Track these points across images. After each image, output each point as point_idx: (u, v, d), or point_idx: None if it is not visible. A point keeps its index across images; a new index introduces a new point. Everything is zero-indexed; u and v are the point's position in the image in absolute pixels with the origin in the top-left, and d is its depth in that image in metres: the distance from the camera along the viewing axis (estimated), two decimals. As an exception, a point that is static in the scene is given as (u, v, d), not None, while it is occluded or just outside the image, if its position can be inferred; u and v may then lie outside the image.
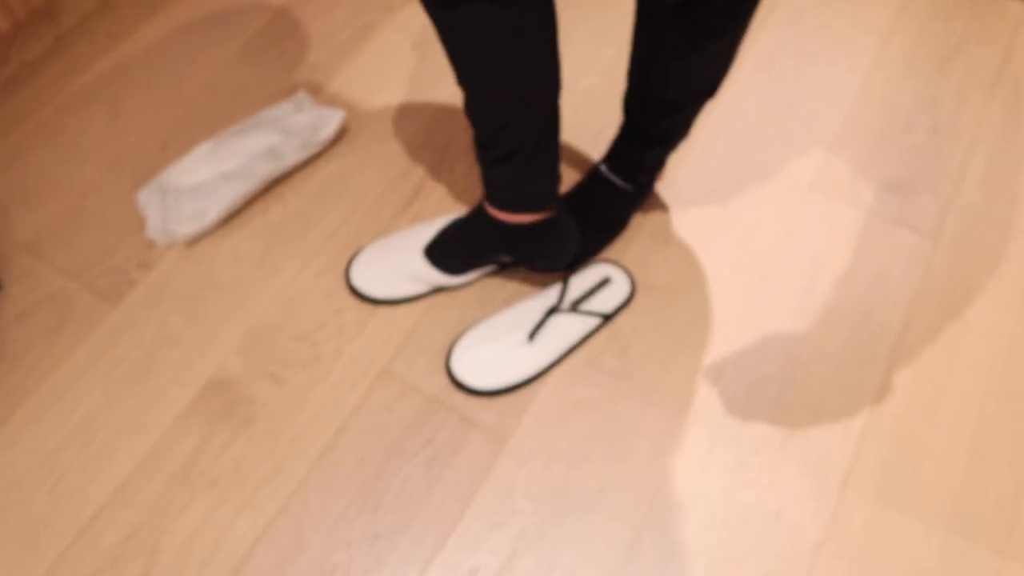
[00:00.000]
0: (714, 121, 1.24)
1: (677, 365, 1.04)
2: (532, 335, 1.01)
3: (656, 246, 1.12)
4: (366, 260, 1.07)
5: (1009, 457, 0.98)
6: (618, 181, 1.08)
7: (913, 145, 1.22)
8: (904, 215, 1.16)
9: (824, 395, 1.02)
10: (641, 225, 1.14)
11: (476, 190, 1.17)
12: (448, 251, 1.02)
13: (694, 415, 1.00)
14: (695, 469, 0.97)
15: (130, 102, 1.27)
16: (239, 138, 1.15)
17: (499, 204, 0.94)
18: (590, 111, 1.25)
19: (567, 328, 1.03)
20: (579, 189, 1.11)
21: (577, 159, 1.20)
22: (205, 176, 1.12)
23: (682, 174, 1.19)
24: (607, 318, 1.05)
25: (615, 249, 1.12)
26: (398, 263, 1.05)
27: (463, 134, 1.23)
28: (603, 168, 1.09)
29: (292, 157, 1.15)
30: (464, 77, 0.79)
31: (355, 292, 1.07)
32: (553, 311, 1.02)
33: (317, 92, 1.27)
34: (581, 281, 1.06)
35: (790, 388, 1.02)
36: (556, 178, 0.92)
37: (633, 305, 1.07)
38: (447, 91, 1.28)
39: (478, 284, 1.09)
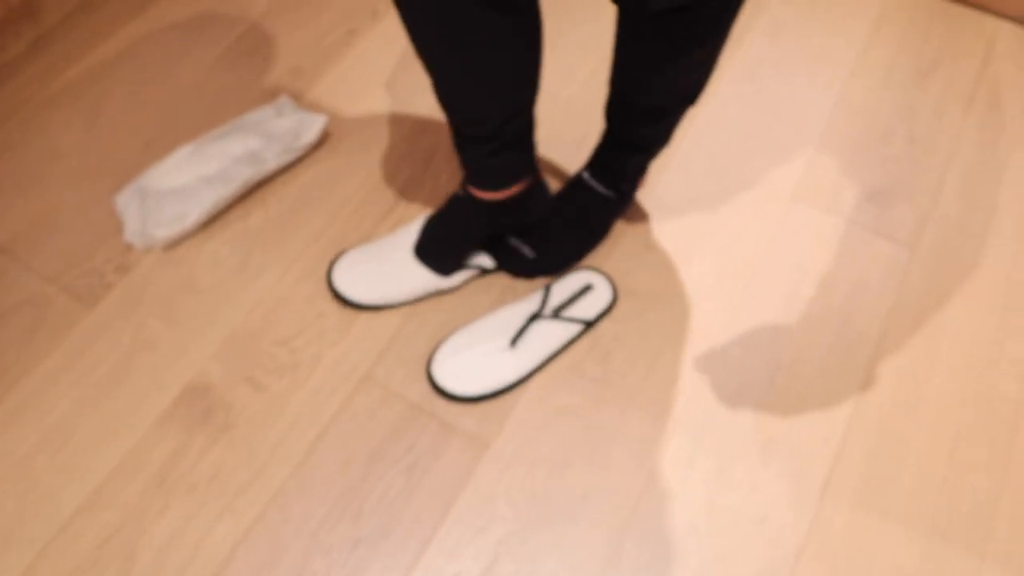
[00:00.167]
0: (696, 130, 1.25)
1: (659, 372, 1.04)
2: (514, 341, 1.01)
3: (638, 253, 1.13)
4: (350, 265, 1.07)
5: (987, 461, 0.99)
6: (600, 188, 1.09)
7: (891, 156, 1.24)
8: (882, 225, 1.17)
9: (805, 401, 1.02)
10: (623, 232, 1.14)
11: (459, 196, 1.17)
12: (439, 249, 1.02)
13: (676, 421, 1.01)
14: (677, 475, 0.97)
15: (110, 104, 1.25)
16: (220, 142, 1.14)
17: (491, 186, 0.96)
18: (572, 119, 1.25)
19: (549, 335, 1.03)
20: (562, 196, 1.11)
21: (560, 167, 1.20)
22: (185, 179, 1.11)
23: (664, 182, 1.19)
24: (589, 325, 1.05)
25: (597, 256, 1.12)
26: (388, 271, 1.04)
27: (447, 141, 1.23)
28: (585, 175, 1.10)
29: (273, 161, 1.15)
30: (453, 84, 0.80)
31: (338, 297, 1.06)
32: (535, 317, 1.02)
33: (300, 97, 1.27)
34: (563, 288, 1.07)
35: (771, 394, 1.03)
36: (534, 147, 0.96)
37: (615, 312, 1.08)
38: (431, 98, 1.28)
39: (460, 291, 1.09)
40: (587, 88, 1.29)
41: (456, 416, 1.00)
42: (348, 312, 1.07)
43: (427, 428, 0.99)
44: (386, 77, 1.30)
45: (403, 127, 1.24)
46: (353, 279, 1.05)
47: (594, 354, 1.05)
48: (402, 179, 1.19)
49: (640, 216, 1.16)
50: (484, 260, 1.08)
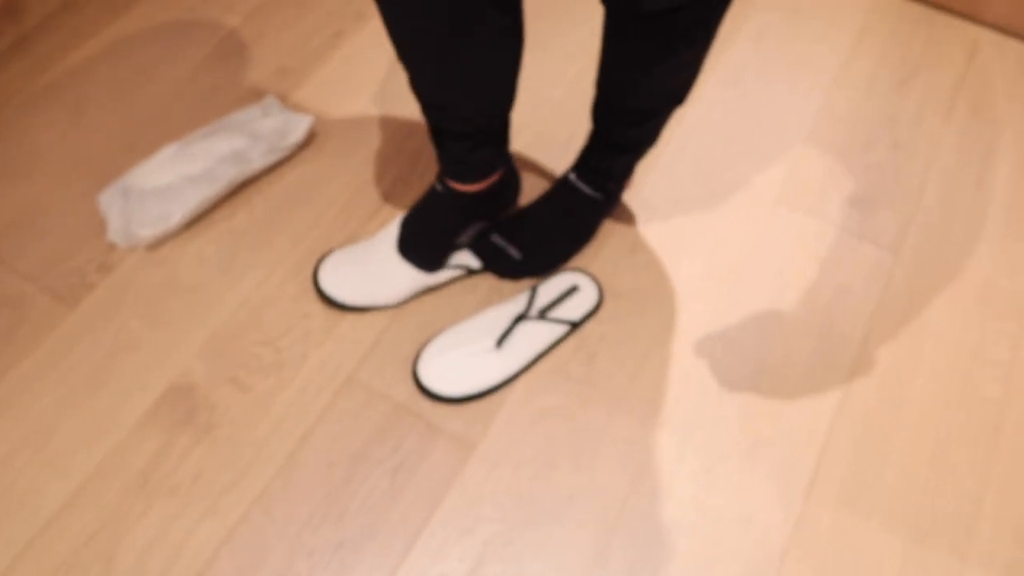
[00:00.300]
0: (682, 133, 1.26)
1: (644, 373, 1.04)
2: (500, 342, 1.01)
3: (624, 255, 1.13)
4: (336, 265, 1.06)
5: (969, 463, 1.00)
6: (587, 190, 1.09)
7: (874, 162, 1.25)
8: (865, 229, 1.18)
9: (790, 402, 1.03)
10: (609, 234, 1.15)
11: (446, 197, 1.17)
12: (422, 244, 1.02)
13: (662, 422, 1.01)
14: (663, 476, 0.97)
15: (94, 103, 1.24)
16: (205, 141, 1.14)
17: (471, 179, 0.98)
18: (559, 121, 1.26)
19: (535, 335, 1.03)
20: (548, 197, 1.11)
21: (546, 168, 1.20)
22: (170, 179, 1.10)
23: (650, 184, 1.20)
24: (575, 326, 1.05)
25: (583, 257, 1.12)
26: (374, 270, 1.04)
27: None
28: (572, 177, 1.10)
29: (259, 161, 1.14)
30: (419, 77, 0.81)
31: (325, 298, 1.05)
32: (521, 318, 1.02)
33: (286, 97, 1.26)
34: (549, 289, 1.07)
35: (757, 395, 1.03)
36: (508, 139, 0.98)
37: (601, 313, 1.08)
38: (417, 99, 1.28)
39: (445, 292, 1.09)
40: (573, 89, 1.30)
41: (442, 417, 1.00)
42: (334, 312, 1.06)
43: (412, 429, 0.99)
44: (372, 78, 1.30)
45: (389, 128, 1.24)
46: (339, 280, 1.05)
47: (580, 355, 1.05)
48: (389, 179, 1.18)
49: (626, 218, 1.16)
50: (470, 260, 1.07)
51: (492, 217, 1.08)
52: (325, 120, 1.24)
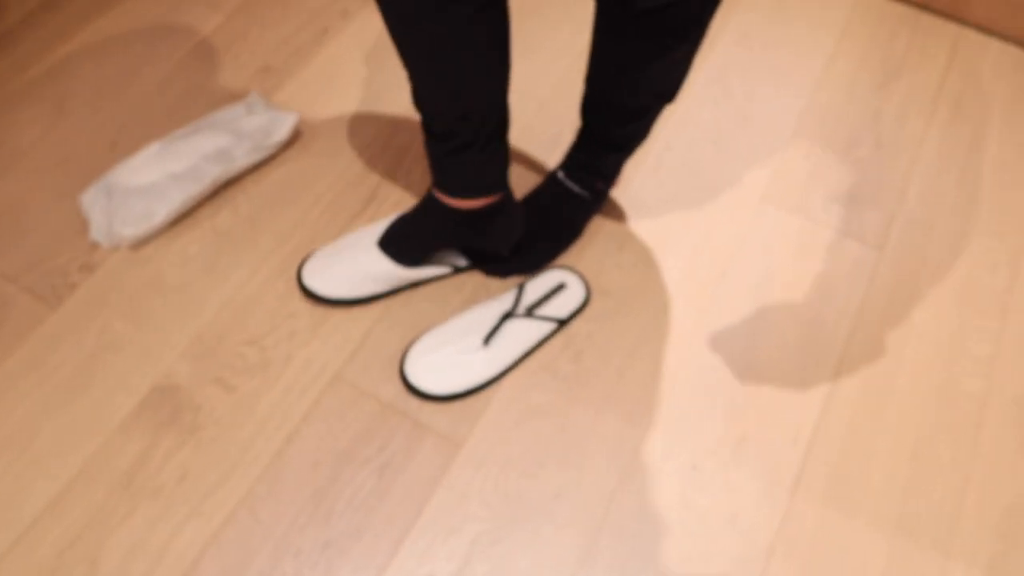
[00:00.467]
0: (669, 132, 1.26)
1: (631, 370, 1.04)
2: (487, 340, 1.00)
3: (611, 252, 1.13)
4: (318, 262, 1.06)
5: (951, 459, 1.01)
6: (576, 188, 1.09)
7: (858, 159, 1.26)
8: (850, 226, 1.19)
9: (775, 399, 1.03)
10: (596, 232, 1.15)
11: (432, 196, 1.17)
12: (401, 242, 1.01)
13: (648, 420, 1.01)
14: (650, 474, 0.97)
15: (76, 101, 1.23)
16: (189, 139, 1.13)
17: (452, 191, 0.94)
18: (546, 118, 1.26)
19: (522, 333, 1.02)
20: (536, 195, 1.11)
21: (533, 165, 1.20)
22: (153, 177, 1.09)
23: (637, 182, 1.20)
24: (562, 323, 1.05)
25: (570, 255, 1.12)
26: (352, 262, 1.03)
27: (420, 140, 1.22)
28: (560, 175, 1.10)
29: (243, 160, 1.13)
30: (416, 73, 0.79)
31: (308, 293, 1.05)
32: (508, 316, 1.02)
33: (271, 95, 1.26)
34: (536, 286, 1.06)
35: (743, 393, 1.03)
36: (507, 161, 0.93)
37: (588, 311, 1.08)
38: (404, 97, 1.27)
39: (433, 289, 1.08)
40: (560, 87, 1.30)
41: (429, 416, 0.99)
42: (319, 311, 1.06)
43: (399, 428, 0.98)
44: (357, 76, 1.29)
45: (375, 126, 1.23)
46: (322, 276, 1.04)
47: (567, 353, 1.05)
48: (374, 178, 1.18)
49: (613, 216, 1.17)
50: (457, 258, 1.07)
51: (473, 247, 1.03)
52: (310, 118, 1.23)
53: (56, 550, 0.89)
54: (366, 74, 1.29)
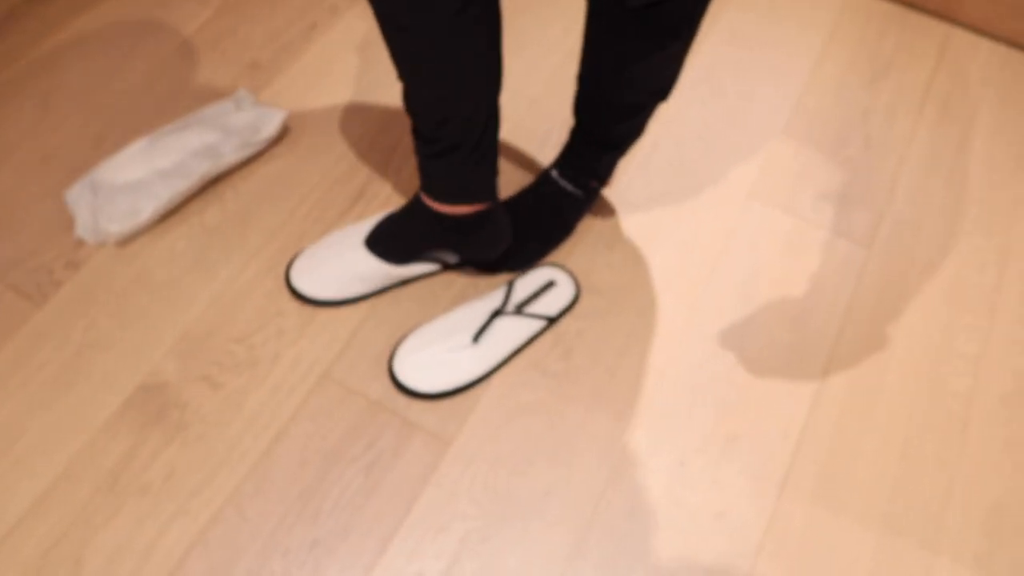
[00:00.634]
0: (658, 130, 1.26)
1: (621, 368, 1.04)
2: (476, 338, 1.00)
3: (601, 250, 1.13)
4: (306, 261, 1.05)
5: (938, 457, 1.01)
6: (569, 187, 1.09)
7: (847, 158, 1.26)
8: (838, 224, 1.19)
9: (764, 397, 1.03)
10: (586, 229, 1.15)
11: (421, 193, 1.16)
12: (388, 242, 1.01)
13: (638, 418, 1.01)
14: (639, 471, 0.97)
15: (61, 96, 1.22)
16: (176, 135, 1.12)
17: (437, 196, 0.93)
18: (537, 116, 1.25)
19: (512, 331, 1.02)
20: (529, 193, 1.11)
21: (524, 163, 1.20)
22: (140, 173, 1.08)
23: (626, 180, 1.20)
24: (552, 321, 1.05)
25: (560, 252, 1.12)
26: (340, 262, 1.03)
27: (409, 137, 1.22)
28: (554, 173, 1.10)
29: (231, 156, 1.12)
30: (405, 73, 0.78)
31: (296, 295, 1.04)
32: (498, 313, 1.02)
33: (259, 91, 1.25)
34: (526, 284, 1.06)
35: (732, 391, 1.04)
36: (494, 171, 0.92)
37: (577, 308, 1.08)
38: (393, 93, 1.27)
39: (421, 287, 1.08)
40: (552, 85, 1.29)
41: (418, 414, 0.99)
42: (307, 309, 1.05)
43: (388, 426, 0.98)
44: (346, 72, 1.28)
45: (364, 123, 1.23)
46: (310, 277, 1.04)
47: (557, 350, 1.04)
48: (363, 175, 1.17)
49: (603, 213, 1.16)
50: (447, 254, 1.07)
51: (457, 252, 1.03)
52: (299, 114, 1.23)
53: (40, 550, 0.88)
54: (355, 70, 1.29)
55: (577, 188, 1.09)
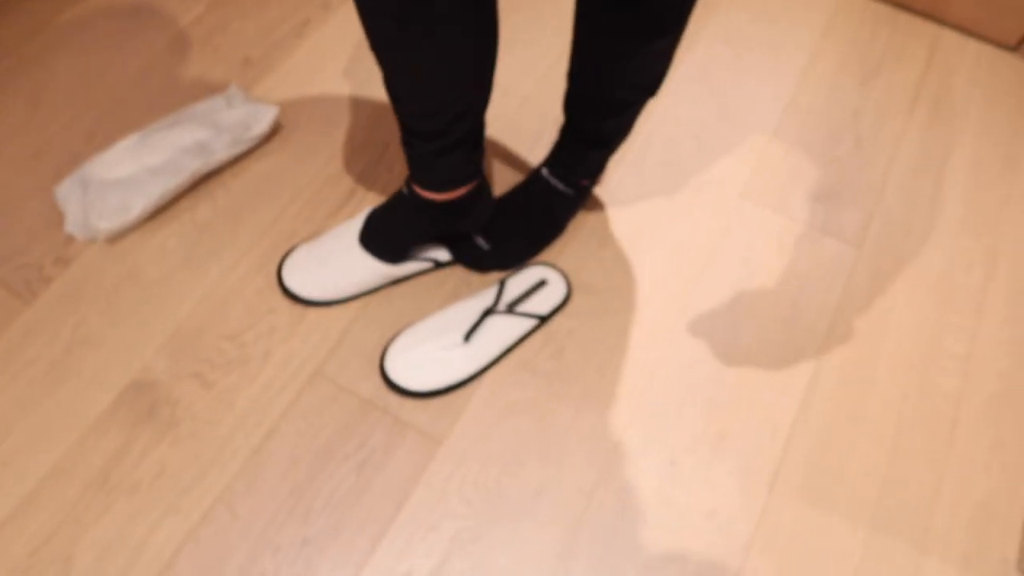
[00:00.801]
0: (650, 128, 1.26)
1: (612, 367, 1.04)
2: (468, 336, 1.00)
3: (592, 249, 1.13)
4: (299, 260, 1.05)
5: (927, 455, 1.02)
6: (560, 185, 1.09)
7: (838, 157, 1.27)
8: (829, 224, 1.20)
9: (754, 396, 1.04)
10: (577, 228, 1.15)
11: (413, 191, 1.16)
12: (381, 238, 1.01)
13: (628, 416, 1.01)
14: (629, 470, 0.98)
15: (52, 92, 1.21)
16: (167, 132, 1.11)
17: (436, 187, 0.94)
18: (529, 116, 1.25)
19: (503, 329, 1.02)
20: (520, 191, 1.11)
21: (516, 162, 1.20)
22: (130, 170, 1.08)
23: (618, 178, 1.20)
24: (543, 320, 1.05)
25: (552, 251, 1.12)
26: (334, 261, 1.03)
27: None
28: (545, 172, 1.10)
29: (222, 153, 1.12)
30: (407, 80, 0.79)
31: (288, 294, 1.04)
32: (489, 312, 1.02)
33: (250, 88, 1.24)
34: (518, 283, 1.06)
35: (722, 390, 1.04)
36: (482, 151, 0.93)
37: (569, 307, 1.08)
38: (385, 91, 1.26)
39: (413, 286, 1.08)
40: (543, 85, 1.29)
41: (409, 412, 0.99)
42: (299, 307, 1.05)
43: (379, 424, 0.98)
44: (339, 69, 1.28)
45: (356, 119, 1.23)
46: (303, 276, 1.03)
47: (548, 349, 1.05)
48: (355, 172, 1.17)
49: (594, 212, 1.17)
50: (438, 253, 1.07)
51: (456, 233, 1.04)
52: (291, 110, 1.22)
53: (30, 548, 0.88)
54: (348, 67, 1.28)
55: (568, 186, 1.09)
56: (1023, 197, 1.25)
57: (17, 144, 1.16)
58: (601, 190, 1.19)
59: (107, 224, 1.05)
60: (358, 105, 1.24)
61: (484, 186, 1.00)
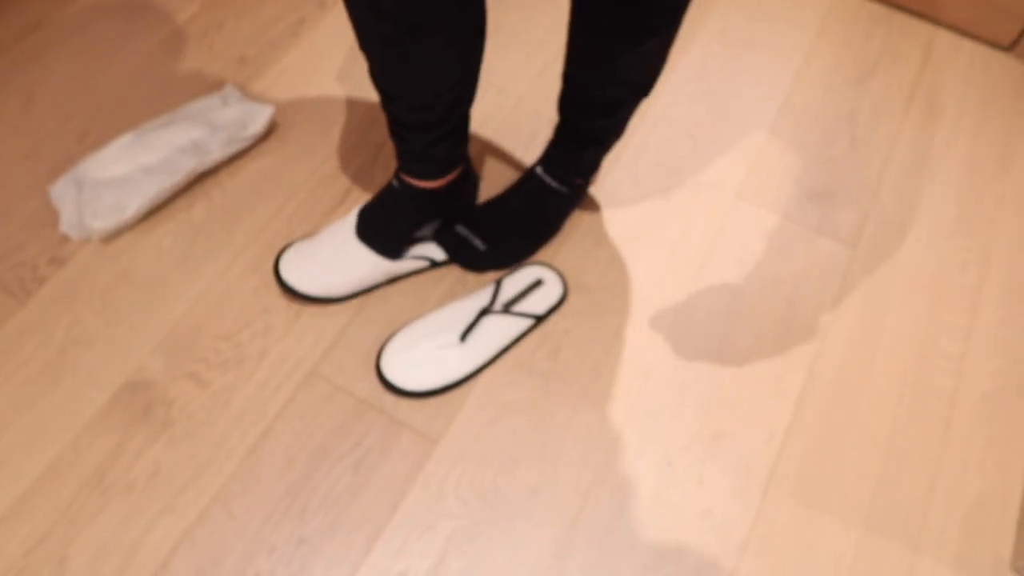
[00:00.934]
0: (645, 128, 1.26)
1: (608, 366, 1.05)
2: (464, 336, 1.00)
3: (588, 248, 1.13)
4: (296, 257, 1.04)
5: (921, 456, 1.02)
6: (554, 184, 1.09)
7: (833, 157, 1.27)
8: (824, 224, 1.20)
9: (749, 396, 1.04)
10: (573, 228, 1.15)
11: (409, 190, 1.16)
12: (378, 232, 1.01)
13: (624, 416, 1.01)
14: (625, 470, 0.98)
15: (46, 90, 1.21)
16: (162, 131, 1.11)
17: (430, 176, 0.97)
18: (524, 116, 1.25)
19: (499, 329, 1.02)
20: (515, 190, 1.11)
21: (511, 162, 1.20)
22: (125, 169, 1.07)
23: (613, 178, 1.20)
24: (539, 319, 1.05)
25: (548, 251, 1.12)
26: (332, 257, 1.02)
27: (396, 134, 1.21)
28: (539, 170, 1.10)
29: (218, 152, 1.12)
30: (385, 85, 0.80)
31: (287, 290, 1.03)
32: (485, 312, 1.02)
33: (246, 86, 1.24)
34: (514, 282, 1.06)
35: (717, 390, 1.04)
36: (467, 137, 0.97)
37: (565, 307, 1.08)
38: (381, 90, 1.26)
39: (409, 285, 1.08)
40: (538, 85, 1.29)
41: (405, 412, 0.99)
42: (295, 306, 1.05)
43: (375, 424, 0.98)
44: (335, 68, 1.28)
45: (352, 118, 1.22)
46: (300, 270, 1.03)
47: (544, 349, 1.05)
48: (351, 170, 1.17)
49: (590, 212, 1.17)
50: (434, 252, 1.07)
51: (448, 215, 1.07)
52: (286, 110, 1.22)
53: (24, 549, 0.88)
54: (344, 66, 1.28)
55: (562, 185, 1.09)
56: (1017, 197, 1.26)
57: (11, 143, 1.15)
58: (597, 190, 1.19)
59: (102, 223, 1.04)
60: (354, 104, 1.24)
61: (470, 169, 1.04)
